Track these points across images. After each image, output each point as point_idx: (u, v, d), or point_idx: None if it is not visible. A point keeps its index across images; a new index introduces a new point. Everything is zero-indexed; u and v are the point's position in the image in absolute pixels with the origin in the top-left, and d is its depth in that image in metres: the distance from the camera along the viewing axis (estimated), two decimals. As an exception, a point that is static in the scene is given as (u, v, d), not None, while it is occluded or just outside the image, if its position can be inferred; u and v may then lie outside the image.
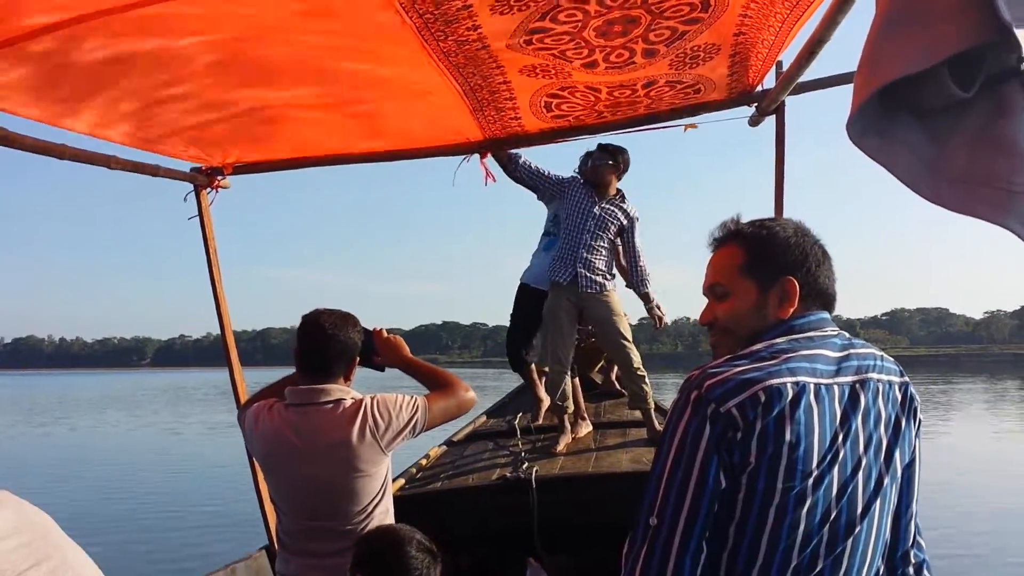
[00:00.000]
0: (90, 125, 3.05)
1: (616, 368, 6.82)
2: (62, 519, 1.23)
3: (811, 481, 1.56)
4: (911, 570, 1.80)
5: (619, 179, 5.63)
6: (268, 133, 3.52)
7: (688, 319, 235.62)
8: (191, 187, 3.85)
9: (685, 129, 3.87)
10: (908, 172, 1.99)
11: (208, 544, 10.53)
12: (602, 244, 5.51)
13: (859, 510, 1.60)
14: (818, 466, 1.56)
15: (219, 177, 3.86)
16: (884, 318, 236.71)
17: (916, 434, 1.76)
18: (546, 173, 5.65)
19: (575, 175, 5.73)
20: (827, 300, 1.79)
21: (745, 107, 3.48)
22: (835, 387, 1.62)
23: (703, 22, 2.63)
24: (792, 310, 1.75)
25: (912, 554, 1.81)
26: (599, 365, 6.93)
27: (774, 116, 3.43)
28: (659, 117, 3.63)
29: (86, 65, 2.54)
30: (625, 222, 5.60)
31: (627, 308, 5.85)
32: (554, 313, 5.56)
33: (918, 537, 1.82)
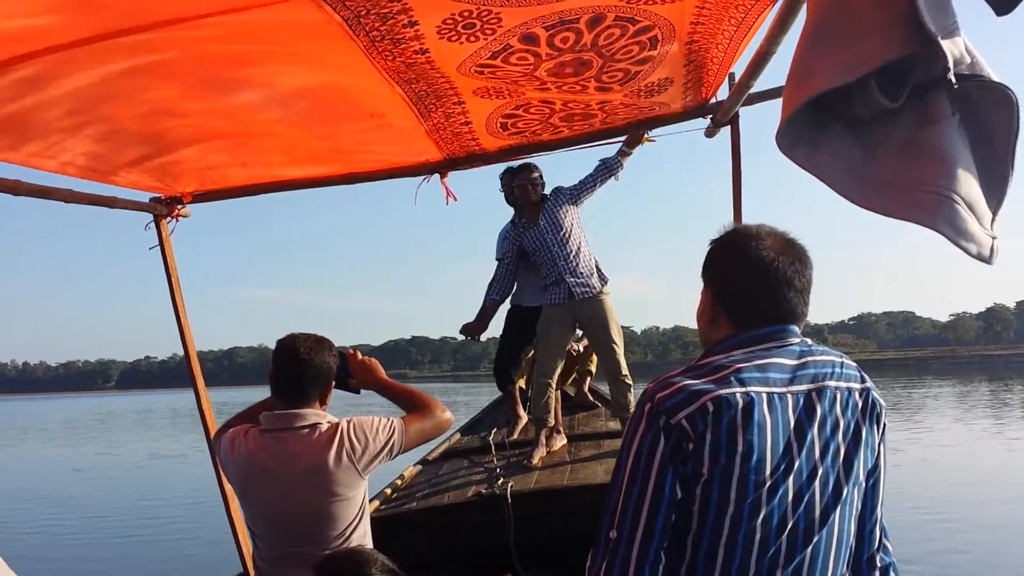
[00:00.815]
0: (44, 160, 3.03)
1: (588, 380, 6.89)
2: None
3: (765, 490, 1.57)
4: (877, 574, 1.82)
5: (542, 190, 5.70)
6: (226, 161, 3.51)
7: (657, 328, 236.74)
8: (151, 217, 3.84)
9: (643, 140, 3.92)
10: (837, 179, 2.04)
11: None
12: (574, 242, 5.53)
13: (817, 519, 1.62)
14: (772, 475, 1.58)
15: (179, 206, 3.85)
16: (851, 323, 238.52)
17: (880, 439, 1.76)
18: (504, 266, 5.87)
19: (508, 228, 5.91)
20: (776, 312, 1.75)
21: (700, 119, 3.52)
22: (788, 396, 1.64)
23: (653, 60, 2.68)
24: (721, 320, 1.79)
25: (878, 558, 1.82)
26: (571, 378, 6.95)
27: (729, 127, 3.47)
28: (616, 132, 3.67)
29: (37, 101, 2.53)
30: (563, 201, 5.61)
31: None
32: (548, 327, 5.62)
33: (884, 540, 1.84)
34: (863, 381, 1.75)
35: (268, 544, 2.81)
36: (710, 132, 3.57)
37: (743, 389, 1.60)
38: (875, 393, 1.76)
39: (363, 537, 2.84)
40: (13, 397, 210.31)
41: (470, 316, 5.99)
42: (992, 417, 26.81)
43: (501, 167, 5.81)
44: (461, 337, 6.11)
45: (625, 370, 5.55)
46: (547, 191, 5.71)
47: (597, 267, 5.61)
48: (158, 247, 3.88)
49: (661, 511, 1.59)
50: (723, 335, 1.77)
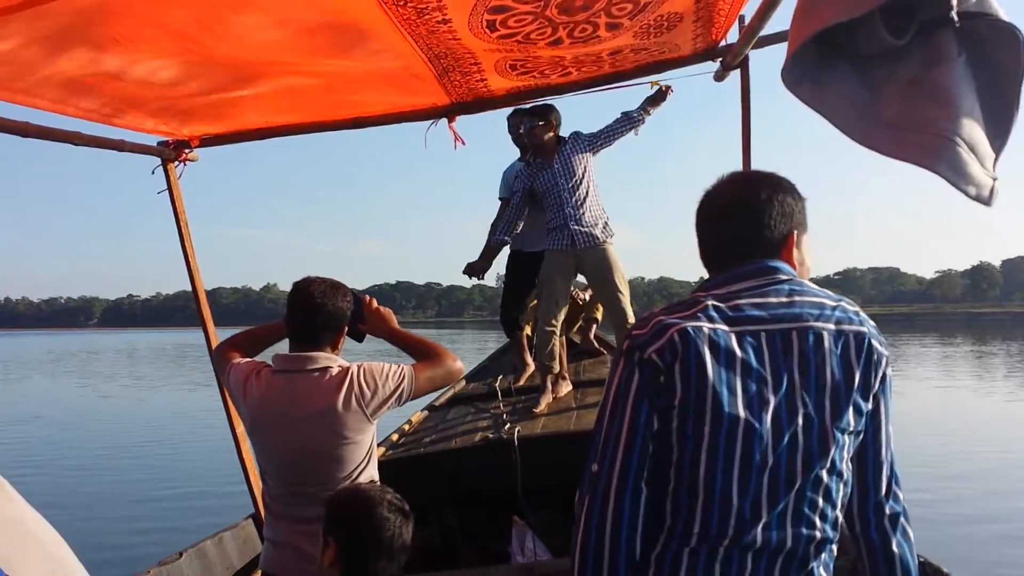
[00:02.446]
0: (51, 101, 2.99)
1: (594, 328, 6.90)
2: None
3: (741, 427, 1.59)
4: (887, 522, 1.80)
5: (556, 133, 5.59)
6: (234, 105, 3.47)
7: (643, 279, 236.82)
8: (159, 161, 3.81)
9: (652, 86, 3.90)
10: (841, 118, 2.05)
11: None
12: (584, 191, 5.48)
13: (801, 462, 1.61)
14: (745, 410, 1.59)
15: (186, 150, 3.82)
16: (837, 277, 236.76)
17: (880, 385, 1.72)
18: (514, 204, 5.72)
19: (519, 168, 5.79)
20: (747, 250, 1.76)
21: (710, 63, 3.50)
22: (763, 334, 1.64)
23: None
24: (707, 266, 1.84)
25: (888, 506, 1.80)
26: (578, 325, 6.96)
27: (739, 71, 3.45)
28: (624, 75, 3.64)
29: (42, 40, 2.49)
30: (580, 148, 5.55)
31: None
32: (550, 275, 5.57)
33: (895, 488, 1.81)
34: (860, 324, 1.71)
35: (276, 482, 2.86)
36: (719, 76, 3.55)
37: (711, 324, 1.63)
38: (874, 340, 1.70)
39: (370, 480, 2.87)
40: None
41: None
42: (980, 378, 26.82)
43: (505, 112, 5.75)
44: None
45: (631, 318, 5.53)
46: (564, 134, 5.63)
47: (604, 218, 5.56)
48: (166, 191, 3.87)
49: (637, 443, 1.63)
50: (710, 276, 1.81)
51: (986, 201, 1.90)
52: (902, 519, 1.82)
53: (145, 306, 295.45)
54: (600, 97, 3.87)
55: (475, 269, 5.80)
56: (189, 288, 4.06)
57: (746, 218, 1.77)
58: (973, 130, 1.91)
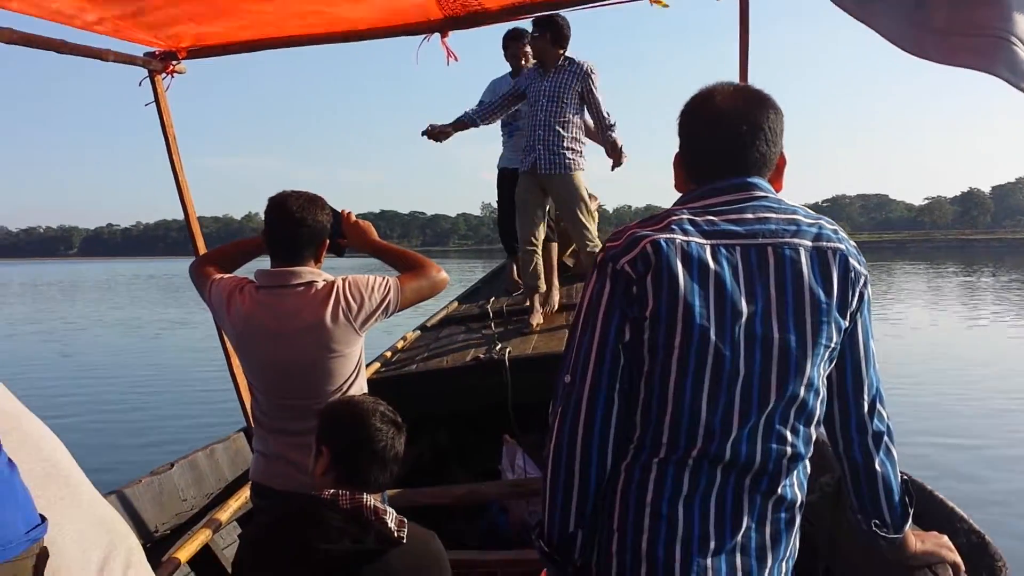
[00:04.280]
0: (29, 5, 2.88)
1: None
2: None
3: (711, 339, 1.58)
4: (870, 440, 1.80)
5: (562, 47, 5.46)
6: (222, 15, 3.37)
7: (629, 207, 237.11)
8: (145, 72, 3.70)
9: (651, 2, 3.81)
10: (889, 27, 2.02)
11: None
12: (562, 117, 5.42)
13: (775, 378, 1.60)
14: (716, 322, 1.59)
15: (174, 62, 3.70)
16: (825, 204, 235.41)
17: (858, 303, 1.70)
18: (500, 98, 5.70)
19: (528, 69, 5.74)
20: (731, 164, 1.73)
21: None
22: (738, 248, 1.63)
23: None
24: (681, 176, 1.82)
25: (872, 424, 1.79)
26: (571, 248, 6.95)
27: None
28: (623, -11, 3.56)
29: None
30: (580, 83, 5.45)
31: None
32: (521, 196, 5.64)
33: (879, 406, 1.80)
34: (839, 242, 1.68)
35: (266, 397, 2.85)
36: (718, -8, 3.48)
37: (684, 236, 1.62)
38: (852, 258, 1.68)
39: (360, 393, 2.86)
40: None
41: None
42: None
43: (499, 29, 5.71)
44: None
45: (593, 242, 5.58)
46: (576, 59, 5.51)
47: (576, 148, 5.51)
48: (154, 104, 3.75)
49: (608, 353, 1.63)
50: (687, 190, 1.79)
51: None
52: (886, 438, 1.81)
53: (125, 235, 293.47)
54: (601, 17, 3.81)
55: (433, 132, 5.66)
56: (169, 218, 4.04)
57: (750, 135, 1.72)
58: None
